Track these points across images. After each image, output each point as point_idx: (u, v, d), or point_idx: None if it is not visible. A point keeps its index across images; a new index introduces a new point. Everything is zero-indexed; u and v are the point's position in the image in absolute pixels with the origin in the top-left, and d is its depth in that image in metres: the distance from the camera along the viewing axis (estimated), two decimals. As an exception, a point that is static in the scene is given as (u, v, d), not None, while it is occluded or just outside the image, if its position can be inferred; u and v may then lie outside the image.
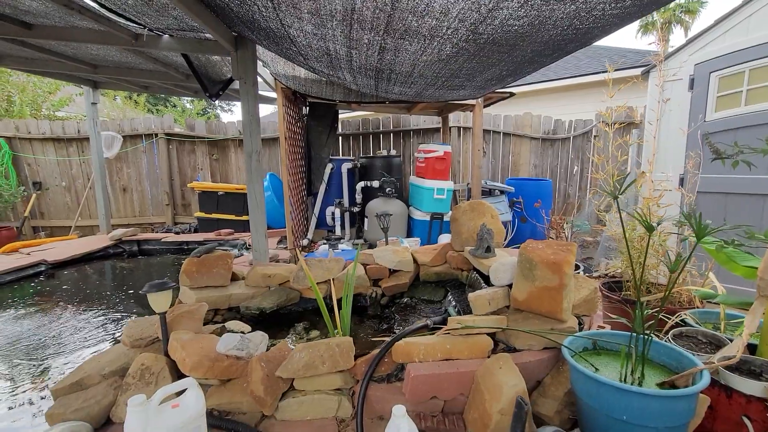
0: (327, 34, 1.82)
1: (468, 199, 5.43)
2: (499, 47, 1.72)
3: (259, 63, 3.61)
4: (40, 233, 6.92)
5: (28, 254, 4.68)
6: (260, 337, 1.76)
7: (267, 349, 1.80)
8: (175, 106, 17.90)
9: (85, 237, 5.89)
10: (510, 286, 2.03)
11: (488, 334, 1.77)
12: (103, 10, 2.51)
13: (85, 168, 6.85)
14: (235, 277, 2.99)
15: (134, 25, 2.78)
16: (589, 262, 4.92)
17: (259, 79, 4.25)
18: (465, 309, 2.26)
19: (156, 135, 6.80)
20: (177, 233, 6.06)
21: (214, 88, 3.44)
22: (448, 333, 1.77)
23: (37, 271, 4.36)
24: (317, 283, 2.85)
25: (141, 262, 5.02)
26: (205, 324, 2.69)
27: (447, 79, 2.33)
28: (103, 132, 6.41)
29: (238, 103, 2.97)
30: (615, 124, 2.88)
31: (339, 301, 2.27)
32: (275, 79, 4.10)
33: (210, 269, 2.76)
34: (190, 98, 19.41)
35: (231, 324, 2.49)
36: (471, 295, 1.89)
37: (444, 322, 2.03)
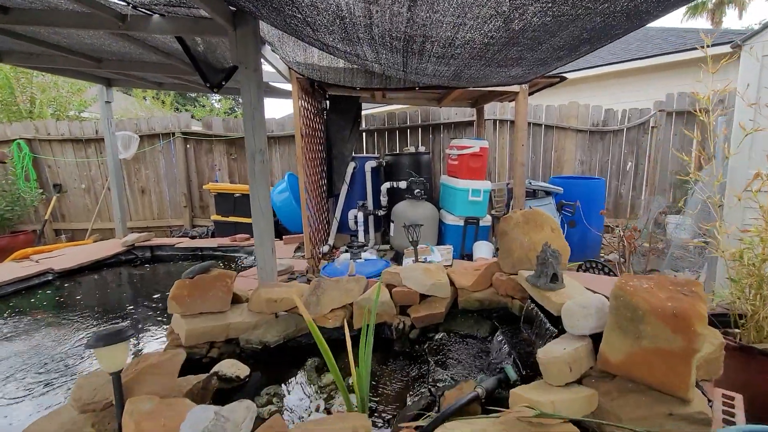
0: (334, -19, 1.29)
1: (508, 202, 4.78)
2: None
3: (268, 48, 3.12)
4: (61, 236, 6.81)
5: (37, 262, 4.44)
6: (243, 413, 1.25)
7: (254, 425, 1.30)
8: (203, 105, 17.90)
9: (98, 242, 5.66)
10: (593, 336, 1.44)
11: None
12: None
13: (104, 169, 6.65)
14: (237, 299, 2.52)
15: (116, 2, 2.36)
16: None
17: (273, 70, 3.78)
18: (523, 358, 1.68)
19: (173, 134, 6.52)
20: (192, 237, 5.74)
21: (216, 78, 3.00)
22: (511, 415, 1.21)
23: (42, 281, 4.09)
24: (334, 310, 2.35)
25: (153, 270, 4.70)
26: (197, 358, 2.25)
27: (501, 48, 1.71)
28: (120, 132, 6.17)
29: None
30: (707, 110, 2.21)
31: (359, 333, 1.77)
32: (289, 68, 3.62)
33: (205, 293, 2.30)
34: (217, 97, 19.40)
35: (224, 365, 2.01)
36: (541, 355, 1.32)
37: (499, 386, 1.47)
